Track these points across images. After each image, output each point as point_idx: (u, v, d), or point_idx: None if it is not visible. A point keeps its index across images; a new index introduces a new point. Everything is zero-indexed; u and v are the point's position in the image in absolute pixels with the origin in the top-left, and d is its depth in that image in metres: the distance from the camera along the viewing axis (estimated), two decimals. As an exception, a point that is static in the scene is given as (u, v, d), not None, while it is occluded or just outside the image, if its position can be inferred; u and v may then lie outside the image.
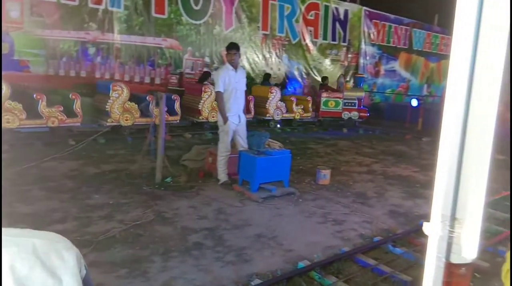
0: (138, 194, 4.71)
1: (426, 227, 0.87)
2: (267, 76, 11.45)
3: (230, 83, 5.07)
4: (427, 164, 7.10)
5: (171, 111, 8.36)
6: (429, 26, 16.41)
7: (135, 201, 4.46)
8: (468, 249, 0.80)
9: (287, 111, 10.54)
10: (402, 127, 11.39)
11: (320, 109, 11.20)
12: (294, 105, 10.67)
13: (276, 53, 11.89)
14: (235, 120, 5.17)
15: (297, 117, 10.76)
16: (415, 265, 3.28)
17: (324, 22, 12.97)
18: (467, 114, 0.78)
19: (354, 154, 7.99)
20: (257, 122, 10.39)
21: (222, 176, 5.24)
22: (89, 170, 5.59)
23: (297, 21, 12.18)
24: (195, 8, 9.91)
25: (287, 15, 11.93)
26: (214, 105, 8.37)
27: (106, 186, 4.94)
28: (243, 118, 5.29)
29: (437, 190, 0.85)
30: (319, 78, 13.04)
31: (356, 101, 11.20)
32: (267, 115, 10.24)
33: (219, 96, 5.10)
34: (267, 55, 11.70)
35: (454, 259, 0.82)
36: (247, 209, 4.52)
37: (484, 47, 0.76)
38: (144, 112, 7.80)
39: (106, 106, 7.65)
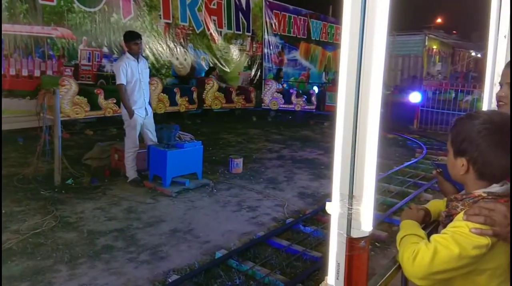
0: (35, 199, 4.27)
1: (328, 206, 0.93)
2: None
3: (133, 75, 4.82)
4: (329, 146, 7.62)
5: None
6: (324, 16, 17.42)
7: (32, 208, 4.04)
8: (366, 223, 0.87)
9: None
10: (307, 113, 12.02)
11: (325, 103, 11.64)
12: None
13: (181, 43, 11.61)
14: (142, 114, 4.95)
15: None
16: (324, 242, 3.52)
17: (227, 11, 12.98)
18: (357, 100, 0.84)
19: (264, 141, 8.23)
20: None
21: (131, 172, 5.00)
22: (-28, 178, 4.89)
23: (199, 10, 12.01)
24: (89, -6, 9.17)
25: (189, 3, 11.68)
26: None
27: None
28: (150, 111, 5.10)
29: (336, 171, 0.91)
30: (227, 69, 13.08)
31: None
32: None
33: (121, 89, 4.82)
34: (172, 45, 11.37)
35: (354, 234, 0.88)
36: (160, 205, 4.39)
37: (369, 36, 0.82)
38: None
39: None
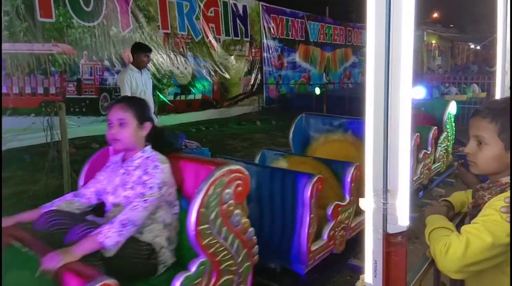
0: (47, 216, 4.25)
1: (362, 202, 0.91)
2: None
3: (138, 86, 4.83)
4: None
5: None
6: (321, 18, 17.49)
7: (45, 224, 4.02)
8: (402, 218, 0.86)
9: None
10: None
11: None
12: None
13: (180, 52, 11.65)
14: (147, 125, 4.95)
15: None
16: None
17: (225, 18, 13.04)
18: (387, 97, 0.83)
19: (270, 145, 8.21)
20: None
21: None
22: (-18, 198, 4.89)
23: (197, 18, 12.07)
24: (87, 9, 9.21)
25: (187, 12, 11.74)
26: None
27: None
28: (156, 122, 5.09)
29: (368, 166, 0.89)
30: (227, 75, 13.12)
31: None
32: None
33: (126, 101, 4.82)
34: (172, 55, 11.42)
35: (391, 229, 0.87)
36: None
37: (397, 30, 0.81)
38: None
39: None
